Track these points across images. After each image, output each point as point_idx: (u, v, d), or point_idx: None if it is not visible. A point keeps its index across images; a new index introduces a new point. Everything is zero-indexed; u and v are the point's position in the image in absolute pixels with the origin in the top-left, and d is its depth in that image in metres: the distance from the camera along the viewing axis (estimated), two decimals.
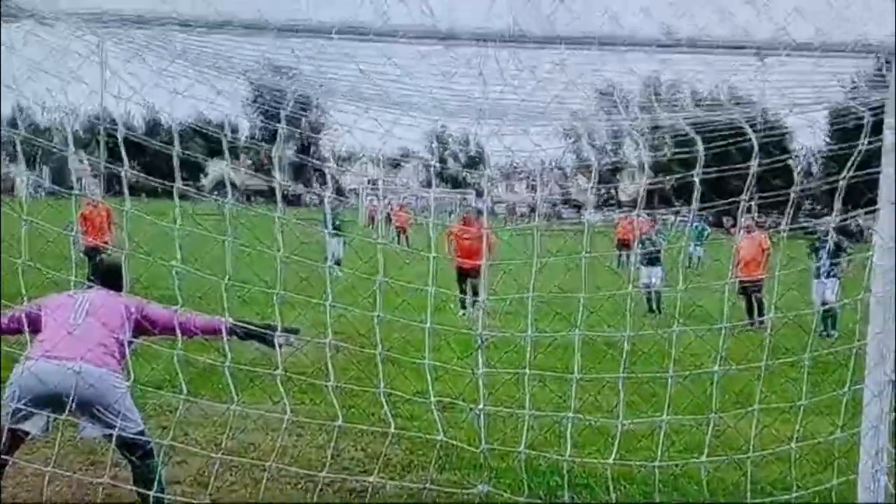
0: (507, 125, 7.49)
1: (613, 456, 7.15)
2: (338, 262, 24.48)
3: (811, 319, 12.26)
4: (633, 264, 19.51)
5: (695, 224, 36.69)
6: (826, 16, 6.23)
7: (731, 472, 8.63)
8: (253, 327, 7.57)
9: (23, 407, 6.88)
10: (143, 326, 7.59)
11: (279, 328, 7.41)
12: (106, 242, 17.47)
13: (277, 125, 7.14)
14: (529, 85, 6.86)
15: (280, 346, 7.43)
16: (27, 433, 7.11)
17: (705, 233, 40.77)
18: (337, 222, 26.92)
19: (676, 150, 8.17)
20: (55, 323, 7.29)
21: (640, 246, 25.26)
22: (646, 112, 7.94)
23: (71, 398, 6.83)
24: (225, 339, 7.32)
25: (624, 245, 37.44)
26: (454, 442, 8.10)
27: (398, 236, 47.41)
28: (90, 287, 7.83)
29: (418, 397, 8.07)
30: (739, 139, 6.78)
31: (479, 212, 22.46)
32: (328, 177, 8.32)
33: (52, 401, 6.93)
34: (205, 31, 6.45)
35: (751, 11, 6.24)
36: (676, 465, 8.55)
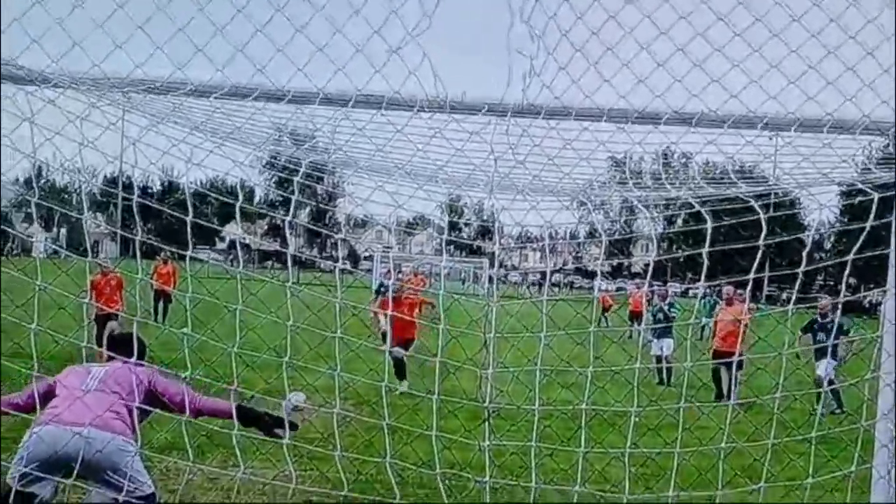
0: (517, 199, 7.55)
1: None
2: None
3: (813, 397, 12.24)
4: (642, 336, 19.40)
5: (706, 297, 36.67)
6: (834, 95, 6.31)
7: None
8: (256, 415, 7.63)
9: (31, 471, 6.89)
10: (154, 397, 7.64)
11: (284, 420, 7.56)
12: (116, 311, 17.47)
13: (291, 193, 7.22)
14: (540, 162, 6.94)
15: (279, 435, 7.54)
16: (35, 496, 7.06)
17: (717, 306, 40.68)
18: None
19: (689, 222, 8.22)
20: (66, 391, 7.40)
21: (651, 318, 25.26)
22: (658, 183, 8.00)
23: (78, 463, 6.87)
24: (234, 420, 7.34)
25: (637, 316, 37.35)
26: None
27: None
28: (98, 351, 7.91)
29: (425, 468, 8.05)
30: (750, 214, 6.82)
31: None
32: (340, 243, 8.37)
33: (60, 465, 6.96)
34: (222, 98, 6.54)
35: (758, 91, 6.33)
36: None
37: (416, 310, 20.00)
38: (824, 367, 20.58)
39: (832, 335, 20.43)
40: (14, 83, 6.27)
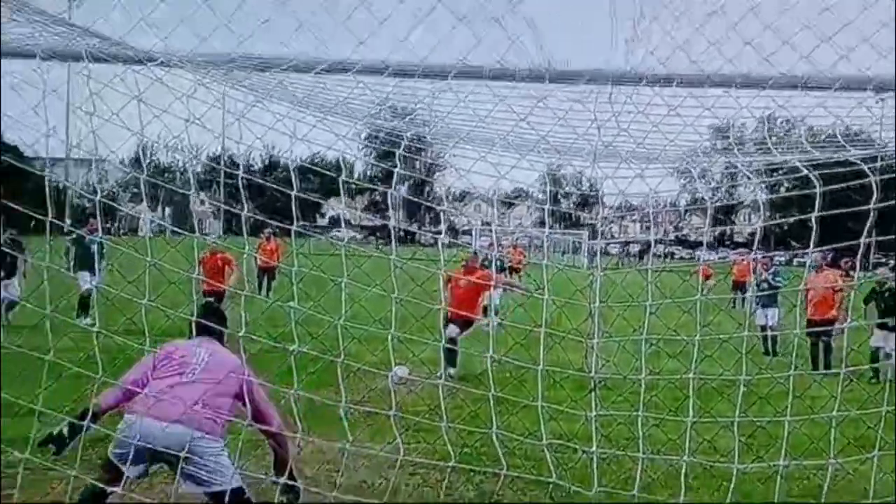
0: (621, 167, 7.48)
1: (729, 499, 7.05)
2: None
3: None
4: (748, 305, 19.17)
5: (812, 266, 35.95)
6: None
7: None
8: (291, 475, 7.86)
9: (123, 454, 7.35)
10: (241, 397, 7.81)
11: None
12: (222, 291, 17.56)
13: (392, 167, 7.25)
14: (644, 128, 6.84)
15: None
16: (123, 475, 7.43)
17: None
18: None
19: (793, 189, 8.05)
20: (166, 377, 7.68)
21: (756, 287, 24.87)
22: (763, 149, 7.85)
23: (169, 456, 7.34)
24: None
25: (740, 286, 36.83)
26: (565, 483, 8.03)
27: (511, 276, 47.25)
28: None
29: (531, 438, 8.02)
30: (858, 179, 6.65)
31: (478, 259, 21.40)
32: (443, 216, 8.37)
33: (149, 454, 7.41)
34: (323, 74, 6.57)
35: (868, 50, 6.16)
36: None
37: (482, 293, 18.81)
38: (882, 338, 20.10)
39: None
40: (123, 63, 6.38)
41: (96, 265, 21.44)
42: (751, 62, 6.29)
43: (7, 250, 21.05)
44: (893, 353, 19.48)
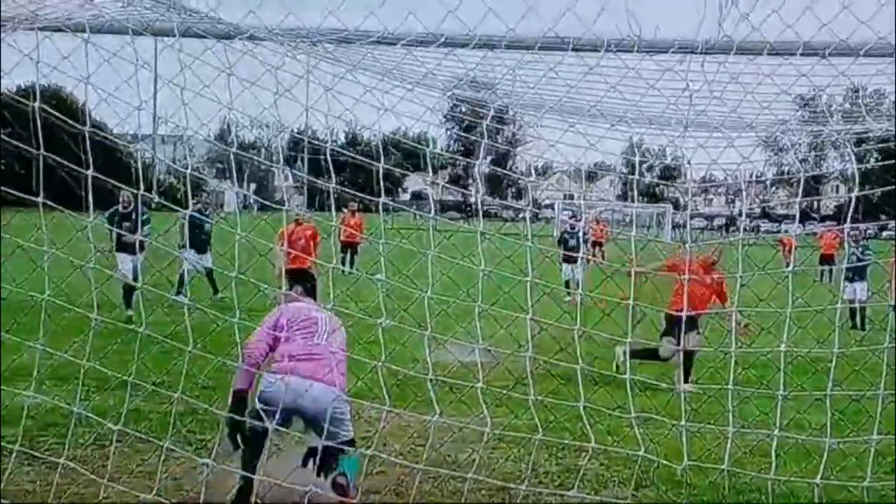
0: (711, 136, 7.37)
1: (820, 476, 6.95)
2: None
3: None
4: (836, 279, 18.83)
5: None
6: None
7: None
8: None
9: (268, 409, 7.77)
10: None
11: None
12: (309, 266, 17.46)
13: (475, 140, 7.22)
14: (735, 95, 6.72)
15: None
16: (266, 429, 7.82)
17: None
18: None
19: (882, 160, 7.86)
20: (303, 337, 8.15)
21: (845, 261, 24.49)
22: (849, 121, 7.69)
23: (307, 412, 7.92)
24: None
25: (827, 260, 36.27)
26: (653, 457, 7.97)
27: (594, 250, 47.04)
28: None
29: (618, 412, 7.97)
30: None
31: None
32: (529, 188, 8.36)
33: (290, 410, 7.91)
34: (409, 46, 6.55)
35: None
36: (883, 487, 8.19)
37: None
38: None
39: None
40: (213, 38, 6.42)
41: (207, 244, 21.65)
42: (844, 28, 6.15)
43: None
44: None
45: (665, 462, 7.66)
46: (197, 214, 20.13)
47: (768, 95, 6.97)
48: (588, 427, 7.35)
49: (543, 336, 8.34)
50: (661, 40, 6.29)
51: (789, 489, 8.45)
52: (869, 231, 26.45)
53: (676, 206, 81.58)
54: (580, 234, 26.65)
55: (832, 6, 6.01)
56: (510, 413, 9.74)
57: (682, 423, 7.26)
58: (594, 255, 45.30)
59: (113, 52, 6.55)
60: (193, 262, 20.52)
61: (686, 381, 12.77)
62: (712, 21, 5.99)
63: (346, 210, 29.69)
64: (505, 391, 8.35)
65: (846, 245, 25.43)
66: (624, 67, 6.45)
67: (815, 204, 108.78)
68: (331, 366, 7.92)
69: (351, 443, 8.02)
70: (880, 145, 7.83)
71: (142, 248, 18.47)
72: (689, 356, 13.37)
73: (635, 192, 8.54)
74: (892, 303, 18.71)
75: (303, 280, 9.00)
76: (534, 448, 8.64)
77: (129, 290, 18.24)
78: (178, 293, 19.06)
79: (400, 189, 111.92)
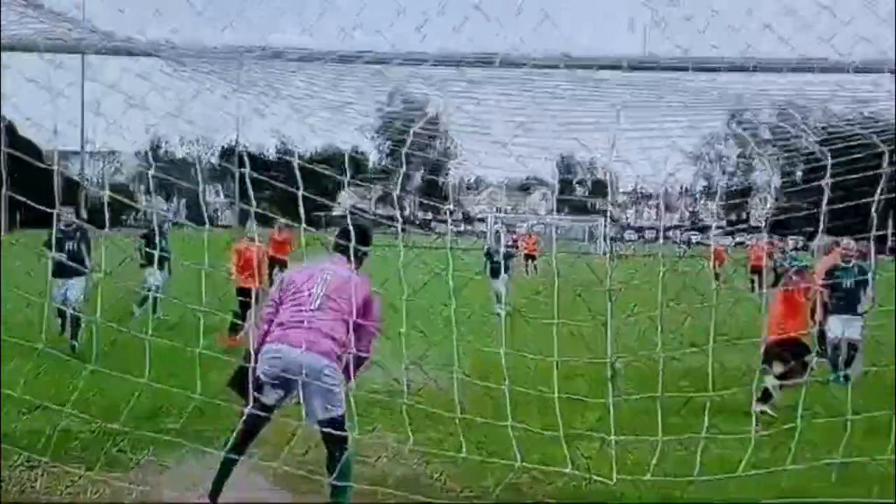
0: (637, 151, 7.44)
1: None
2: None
3: None
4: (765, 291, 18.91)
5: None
6: None
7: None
8: None
9: (265, 380, 7.85)
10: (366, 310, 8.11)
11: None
12: (258, 283, 17.17)
13: (405, 155, 7.23)
14: (660, 113, 6.80)
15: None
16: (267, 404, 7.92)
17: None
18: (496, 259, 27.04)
19: (808, 173, 7.99)
20: (293, 304, 8.06)
21: (773, 272, 24.77)
22: (776, 134, 7.79)
23: (295, 381, 7.76)
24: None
25: (757, 271, 36.81)
26: (580, 473, 7.97)
27: (527, 263, 47.28)
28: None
29: (547, 430, 7.96)
30: (873, 162, 6.60)
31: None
32: (459, 205, 8.38)
33: (281, 380, 7.87)
34: (334, 63, 6.54)
35: (886, 31, 6.10)
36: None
37: None
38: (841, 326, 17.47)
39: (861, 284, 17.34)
40: (134, 55, 6.36)
41: (163, 262, 21.19)
42: (767, 45, 6.23)
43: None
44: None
45: (597, 478, 7.67)
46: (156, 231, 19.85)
47: (695, 112, 7.05)
48: (514, 444, 7.32)
49: (478, 353, 8.35)
50: (588, 58, 6.33)
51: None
52: (796, 242, 26.60)
53: (608, 218, 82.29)
54: (503, 248, 26.93)
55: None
56: (441, 432, 9.71)
57: (612, 437, 7.30)
58: (527, 268, 45.64)
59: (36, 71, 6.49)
60: (156, 282, 20.26)
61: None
62: (638, 39, 6.05)
63: (275, 227, 29.54)
64: (432, 409, 8.33)
65: (773, 257, 25.76)
66: (553, 84, 6.50)
67: (745, 215, 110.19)
68: (325, 333, 7.80)
69: (341, 424, 7.85)
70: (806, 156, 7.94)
71: (80, 272, 17.37)
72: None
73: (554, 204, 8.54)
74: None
75: (344, 236, 8.37)
76: (467, 465, 8.63)
77: (69, 318, 16.91)
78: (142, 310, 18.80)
79: (334, 204, 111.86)
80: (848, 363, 16.76)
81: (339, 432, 7.83)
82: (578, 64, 6.35)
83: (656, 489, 8.59)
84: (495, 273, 26.56)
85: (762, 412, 11.98)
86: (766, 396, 13.91)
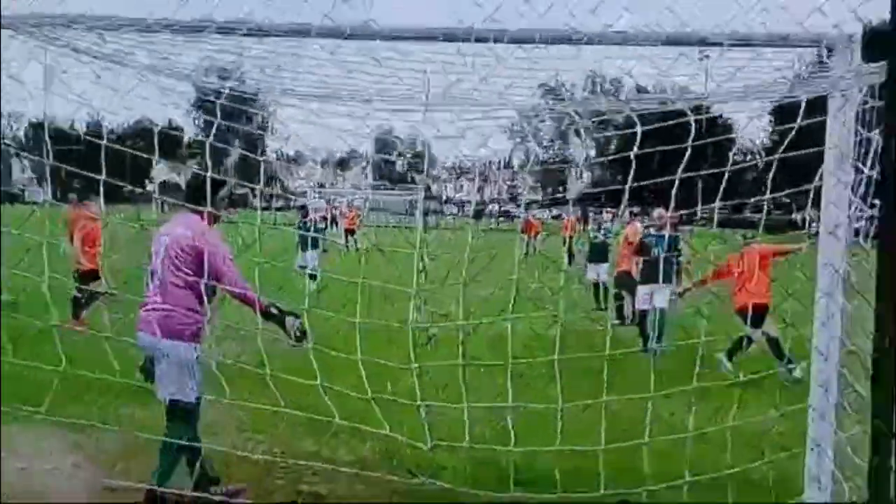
0: (451, 122, 7.49)
1: (558, 443, 7.20)
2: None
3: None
4: (577, 261, 19.37)
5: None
6: (769, 8, 6.27)
7: (675, 458, 8.51)
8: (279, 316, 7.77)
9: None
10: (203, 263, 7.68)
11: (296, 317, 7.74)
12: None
13: (220, 128, 7.14)
14: (474, 85, 6.84)
15: (294, 334, 7.73)
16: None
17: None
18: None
19: (622, 147, 8.20)
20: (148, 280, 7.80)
21: (590, 243, 25.33)
22: (591, 106, 7.96)
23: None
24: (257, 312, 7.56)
25: (564, 242, 37.93)
26: (397, 436, 8.01)
27: (346, 237, 47.30)
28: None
29: (357, 392, 7.98)
30: (682, 138, 6.80)
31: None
32: (277, 180, 8.32)
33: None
34: (147, 32, 6.40)
35: (693, 5, 6.27)
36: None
37: None
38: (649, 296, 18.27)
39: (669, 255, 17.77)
40: None
41: None
42: (578, 18, 6.32)
43: None
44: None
45: (409, 441, 7.75)
46: None
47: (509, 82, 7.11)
48: (331, 405, 7.33)
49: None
50: (404, 28, 6.34)
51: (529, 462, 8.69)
52: (610, 215, 27.06)
53: (427, 192, 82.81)
54: (315, 221, 27.22)
55: None
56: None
57: (418, 402, 7.39)
58: (347, 243, 45.67)
59: None
60: None
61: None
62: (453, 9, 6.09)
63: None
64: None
65: (587, 228, 26.39)
66: (365, 55, 6.49)
67: (562, 188, 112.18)
68: (167, 309, 7.50)
69: (191, 407, 7.65)
70: (618, 132, 8.13)
71: None
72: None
73: (370, 178, 8.58)
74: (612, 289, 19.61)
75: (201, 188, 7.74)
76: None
77: None
78: None
79: (147, 179, 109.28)
80: (659, 335, 17.35)
81: (179, 418, 7.64)
82: (393, 34, 6.36)
83: (473, 456, 8.76)
84: (305, 246, 26.81)
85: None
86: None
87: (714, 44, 6.38)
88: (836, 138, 6.60)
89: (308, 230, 27.14)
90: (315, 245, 26.71)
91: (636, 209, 21.09)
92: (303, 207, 30.02)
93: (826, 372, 6.69)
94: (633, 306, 19.50)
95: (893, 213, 2.37)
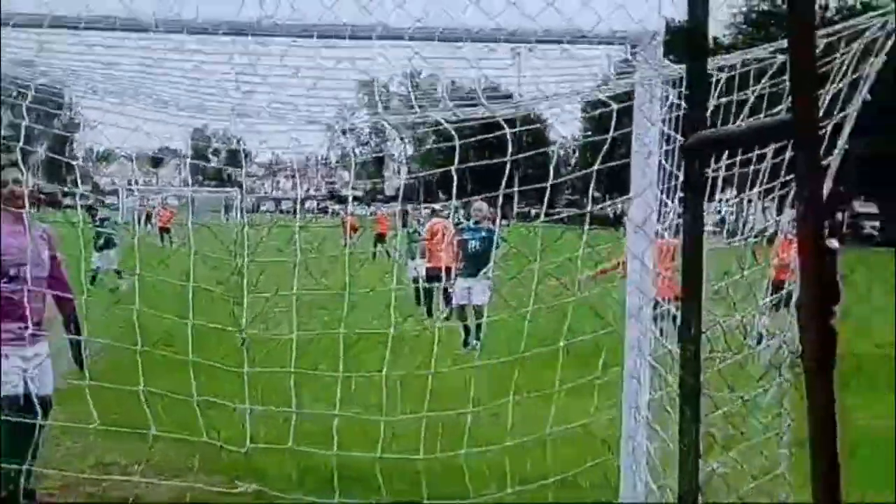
0: (263, 120, 7.38)
1: (379, 452, 7.18)
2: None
3: None
4: (397, 258, 19.38)
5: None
6: (577, 7, 6.36)
7: (497, 459, 8.57)
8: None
9: None
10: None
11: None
12: None
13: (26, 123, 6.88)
14: (282, 77, 6.74)
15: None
16: None
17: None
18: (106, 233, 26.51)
19: (438, 143, 8.21)
20: None
21: (407, 239, 25.30)
22: (405, 105, 7.95)
23: None
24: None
25: (383, 238, 38.25)
26: (216, 443, 7.85)
27: (162, 236, 46.31)
28: None
29: (179, 395, 7.79)
30: (497, 131, 6.84)
31: None
32: (87, 177, 8.05)
33: None
34: None
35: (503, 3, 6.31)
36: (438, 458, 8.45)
37: None
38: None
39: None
40: None
41: None
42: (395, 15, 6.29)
43: None
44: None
45: (227, 446, 7.61)
46: None
47: (323, 81, 7.04)
48: (148, 413, 7.13)
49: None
50: (212, 21, 6.20)
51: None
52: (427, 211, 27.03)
53: (244, 189, 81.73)
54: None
55: None
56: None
57: (247, 405, 7.26)
58: (162, 241, 44.73)
59: None
60: None
61: None
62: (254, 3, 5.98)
63: None
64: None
65: (407, 225, 26.42)
66: (174, 50, 6.32)
67: (381, 185, 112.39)
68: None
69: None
70: (436, 128, 8.14)
71: None
72: None
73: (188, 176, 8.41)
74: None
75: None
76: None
77: None
78: None
79: None
80: (478, 330, 17.41)
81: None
82: (200, 28, 6.21)
83: (294, 458, 8.67)
84: (108, 244, 26.34)
85: None
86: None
87: (521, 41, 6.44)
88: (642, 136, 6.76)
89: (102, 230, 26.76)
90: (110, 244, 26.34)
91: (453, 204, 21.14)
92: (91, 208, 29.27)
93: (638, 369, 6.84)
94: (448, 303, 19.68)
95: (693, 210, 2.42)
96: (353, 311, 7.47)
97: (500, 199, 7.31)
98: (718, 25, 76.56)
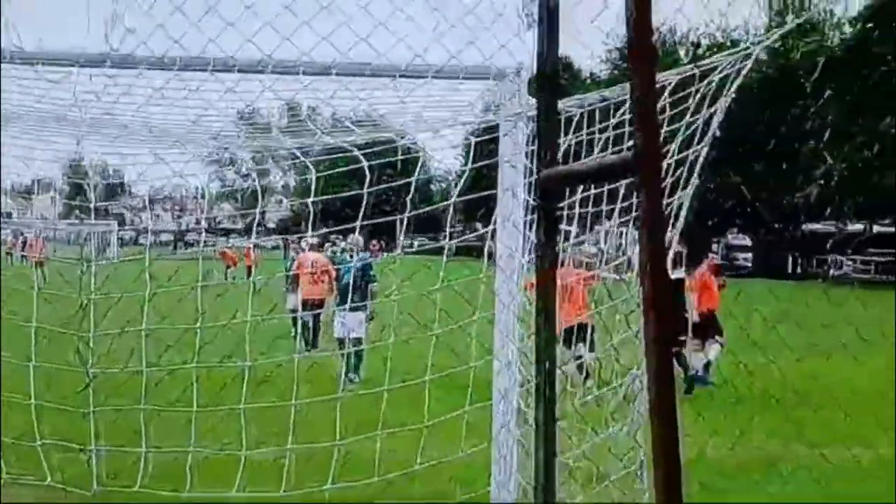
0: (141, 151, 7.28)
1: (236, 488, 7.09)
2: None
3: None
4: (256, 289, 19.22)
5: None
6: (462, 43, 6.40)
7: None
8: None
9: None
10: None
11: None
12: None
13: None
14: (161, 108, 6.66)
15: None
16: None
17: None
18: None
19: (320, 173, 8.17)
20: None
21: (284, 271, 25.04)
22: (288, 135, 7.91)
23: None
24: None
25: (249, 272, 38.98)
26: (60, 485, 7.60)
27: (36, 269, 45.20)
28: None
29: (26, 440, 7.54)
30: (378, 160, 6.86)
31: None
32: None
33: None
34: None
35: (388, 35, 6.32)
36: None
37: None
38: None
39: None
40: None
41: None
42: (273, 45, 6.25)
43: None
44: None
45: (72, 489, 7.39)
46: None
47: (201, 112, 6.96)
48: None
49: None
50: (49, 52, 6.10)
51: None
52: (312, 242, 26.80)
53: (122, 222, 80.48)
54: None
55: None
56: None
57: (92, 447, 7.13)
58: (36, 276, 43.64)
59: None
60: None
61: None
62: (98, 34, 5.89)
63: None
64: None
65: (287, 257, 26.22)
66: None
67: (261, 216, 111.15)
68: None
69: None
70: (326, 157, 8.12)
71: None
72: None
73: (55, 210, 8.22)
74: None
75: None
76: None
77: None
78: None
79: None
80: (358, 362, 17.37)
81: None
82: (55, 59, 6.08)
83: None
84: None
85: None
86: None
87: (388, 75, 6.47)
88: (507, 169, 6.87)
89: None
90: None
91: (334, 237, 21.11)
92: None
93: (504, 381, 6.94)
94: (316, 335, 19.80)
95: (546, 244, 2.46)
96: (239, 344, 7.37)
97: (358, 231, 7.34)
98: (595, 61, 78.05)
